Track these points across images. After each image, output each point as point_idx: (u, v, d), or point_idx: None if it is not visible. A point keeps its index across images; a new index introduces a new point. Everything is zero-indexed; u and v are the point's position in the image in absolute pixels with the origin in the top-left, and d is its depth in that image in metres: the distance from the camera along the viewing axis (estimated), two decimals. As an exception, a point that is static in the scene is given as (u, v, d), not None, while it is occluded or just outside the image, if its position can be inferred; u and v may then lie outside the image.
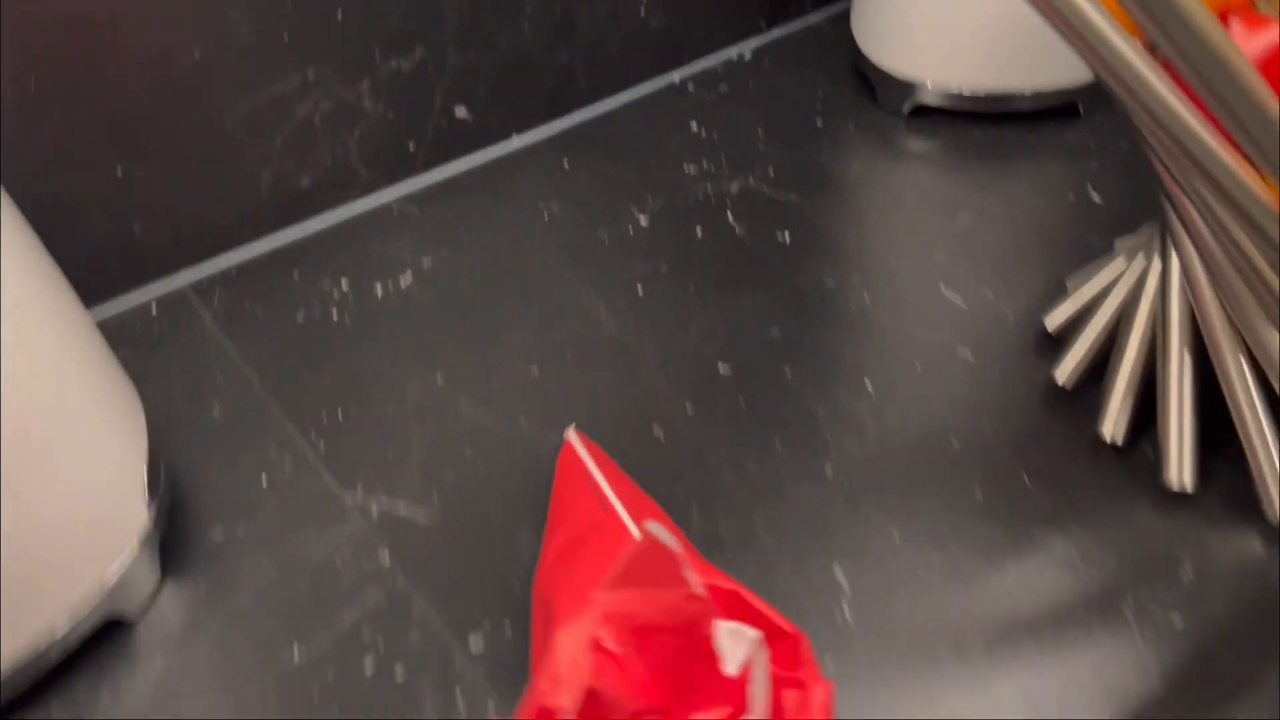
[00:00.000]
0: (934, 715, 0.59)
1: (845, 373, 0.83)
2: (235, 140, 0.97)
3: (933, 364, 0.83)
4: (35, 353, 0.61)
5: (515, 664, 0.64)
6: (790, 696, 0.40)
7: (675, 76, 1.24)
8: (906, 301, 0.90)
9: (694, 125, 1.15)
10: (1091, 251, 0.87)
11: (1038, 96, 1.08)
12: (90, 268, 0.92)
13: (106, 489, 0.68)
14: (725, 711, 0.39)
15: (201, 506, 0.77)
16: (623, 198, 1.06)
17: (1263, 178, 0.61)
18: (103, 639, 0.69)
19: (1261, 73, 0.48)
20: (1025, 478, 0.73)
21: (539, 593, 0.58)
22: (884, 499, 0.73)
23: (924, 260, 0.94)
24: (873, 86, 1.16)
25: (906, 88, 1.12)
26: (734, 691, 0.41)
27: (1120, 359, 0.73)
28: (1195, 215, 0.66)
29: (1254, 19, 0.61)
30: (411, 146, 1.09)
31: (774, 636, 0.41)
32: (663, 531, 0.39)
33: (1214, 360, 0.68)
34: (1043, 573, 0.67)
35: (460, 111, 1.10)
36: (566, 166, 1.11)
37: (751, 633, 0.38)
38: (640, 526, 0.42)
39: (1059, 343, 0.80)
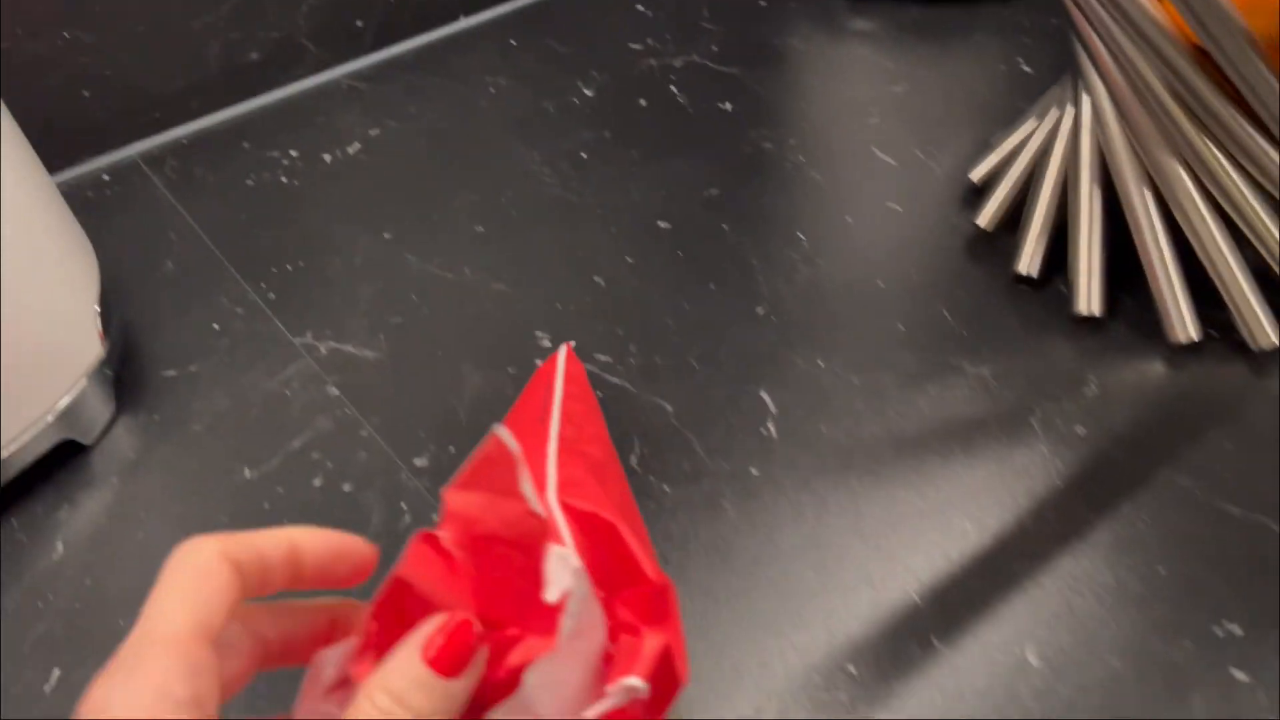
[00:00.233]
0: (857, 515, 0.63)
1: (780, 226, 0.86)
2: (180, 5, 0.98)
3: (863, 216, 0.87)
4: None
5: (457, 478, 0.67)
6: (624, 643, 0.36)
7: (623, -38, 1.25)
8: (840, 162, 0.93)
9: (640, 6, 1.17)
10: (1021, 117, 0.90)
11: (975, -25, 1.11)
12: (42, 132, 0.93)
13: (59, 321, 0.70)
14: (549, 641, 0.34)
15: (156, 350, 0.80)
16: (569, 73, 1.07)
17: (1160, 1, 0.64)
18: (60, 468, 0.71)
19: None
20: (945, 312, 0.77)
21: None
22: (811, 334, 0.76)
23: (859, 125, 0.97)
24: (816, -31, 1.18)
25: (848, -32, 1.14)
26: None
27: (1036, 199, 0.77)
28: (1101, 48, 0.69)
29: None
30: (360, 24, 1.10)
31: (634, 578, 0.37)
32: (510, 438, 0.36)
33: (1120, 193, 0.72)
34: (956, 393, 0.71)
35: (408, -11, 1.11)
36: (514, 44, 1.13)
37: (575, 561, 0.34)
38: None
39: (983, 193, 0.84)
